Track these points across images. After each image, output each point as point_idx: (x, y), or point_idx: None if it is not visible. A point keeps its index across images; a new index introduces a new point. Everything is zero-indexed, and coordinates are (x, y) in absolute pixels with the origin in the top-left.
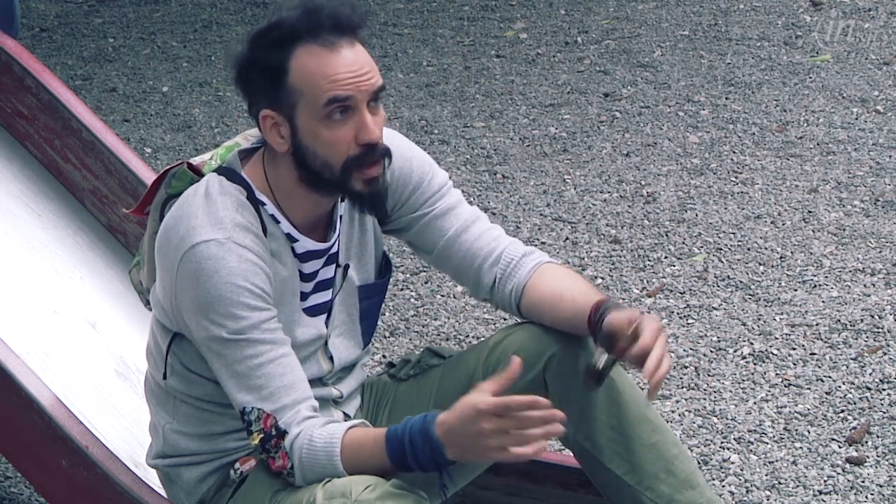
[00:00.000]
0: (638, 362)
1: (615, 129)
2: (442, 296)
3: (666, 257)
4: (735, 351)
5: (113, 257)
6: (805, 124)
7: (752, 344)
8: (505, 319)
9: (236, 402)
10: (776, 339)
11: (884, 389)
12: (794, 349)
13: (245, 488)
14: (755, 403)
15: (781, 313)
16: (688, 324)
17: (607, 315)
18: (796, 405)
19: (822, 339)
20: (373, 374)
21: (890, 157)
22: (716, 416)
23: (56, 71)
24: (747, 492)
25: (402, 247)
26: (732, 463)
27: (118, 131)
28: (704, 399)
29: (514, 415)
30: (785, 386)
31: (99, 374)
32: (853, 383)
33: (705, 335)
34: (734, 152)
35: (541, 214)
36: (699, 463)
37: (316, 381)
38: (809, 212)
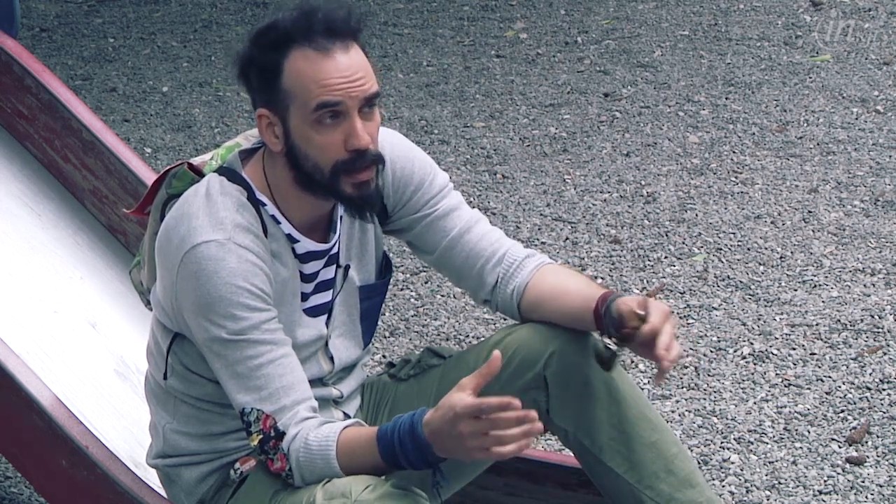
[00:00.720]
0: (647, 345)
1: (615, 129)
2: (442, 296)
3: (666, 257)
4: (735, 351)
5: (113, 257)
6: (805, 124)
7: (752, 344)
8: (505, 319)
9: (236, 403)
10: (776, 339)
11: (884, 389)
12: (794, 349)
13: (245, 488)
14: (755, 403)
15: (781, 313)
16: (688, 324)
17: (614, 305)
18: (796, 405)
19: (822, 339)
20: (373, 374)
21: (890, 157)
22: (716, 416)
23: (56, 71)
24: (747, 492)
25: (402, 247)
26: (732, 463)
27: (118, 131)
28: (704, 399)
29: (489, 417)
30: (785, 386)
31: (99, 374)
32: (853, 383)
33: (705, 335)
34: (734, 152)
35: (541, 214)
36: (699, 463)
37: (316, 382)
38: (809, 212)
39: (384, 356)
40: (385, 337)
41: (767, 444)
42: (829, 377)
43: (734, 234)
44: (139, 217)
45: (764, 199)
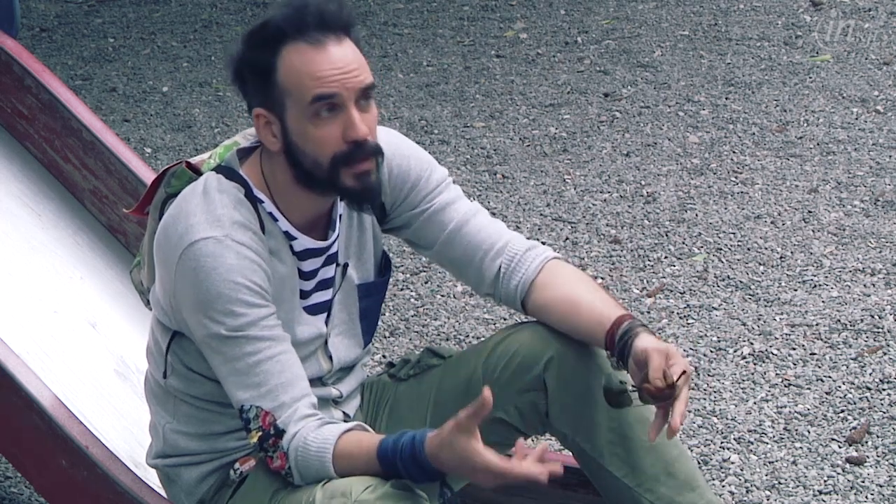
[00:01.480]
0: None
1: (615, 129)
2: (442, 296)
3: (666, 257)
4: (735, 351)
5: (113, 257)
6: (805, 124)
7: (752, 344)
8: (505, 319)
9: (235, 400)
10: (776, 339)
11: (884, 389)
12: (794, 349)
13: (245, 488)
14: (755, 403)
15: (781, 313)
16: (688, 324)
17: (636, 340)
18: (796, 405)
19: (822, 339)
20: (373, 374)
21: (890, 157)
22: (716, 416)
23: (56, 71)
24: (747, 492)
25: (402, 247)
26: (732, 463)
27: (118, 131)
28: (704, 399)
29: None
30: (785, 386)
31: (99, 374)
32: (853, 383)
33: (705, 335)
34: (734, 152)
35: (541, 214)
36: (699, 463)
37: (315, 381)
38: (809, 212)
39: (384, 356)
40: (385, 337)
41: (767, 444)
42: (829, 377)
43: (734, 234)
44: (139, 217)
45: (764, 199)
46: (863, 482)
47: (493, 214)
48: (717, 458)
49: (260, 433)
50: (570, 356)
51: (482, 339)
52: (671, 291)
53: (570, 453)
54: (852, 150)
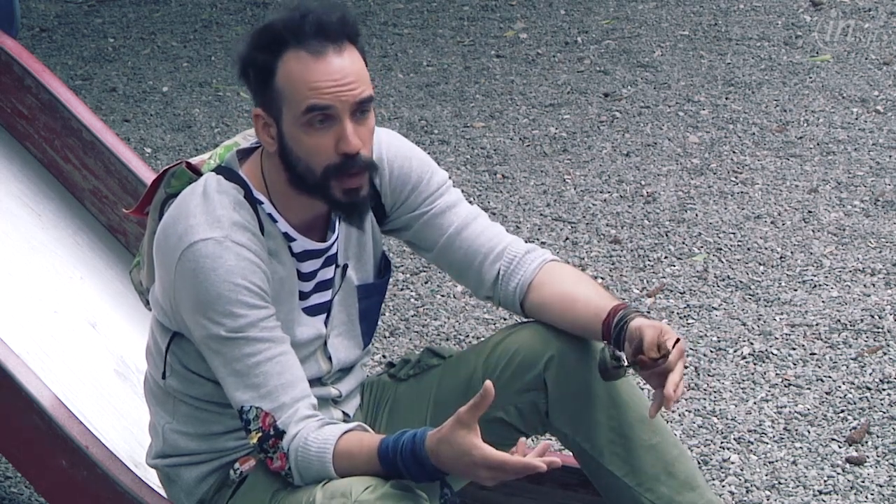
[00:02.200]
0: (656, 375)
1: (615, 129)
2: (442, 296)
3: (666, 257)
4: (735, 351)
5: (113, 257)
6: (805, 124)
7: (752, 344)
8: (505, 319)
9: (235, 401)
10: (776, 339)
11: (884, 389)
12: (794, 349)
13: (245, 488)
14: (755, 403)
15: (781, 313)
16: (688, 324)
17: (632, 320)
18: (796, 405)
19: (822, 339)
20: (373, 374)
21: (890, 157)
22: (716, 416)
23: (56, 71)
24: (747, 492)
25: (401, 247)
26: (732, 463)
27: (118, 131)
28: (704, 399)
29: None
30: (785, 386)
31: (99, 374)
32: (853, 383)
33: (705, 335)
34: (734, 152)
35: (541, 214)
36: (699, 463)
37: (315, 381)
38: (809, 212)
39: (384, 356)
40: (385, 337)
41: (767, 444)
42: (829, 377)
43: (734, 234)
44: (138, 217)
45: (764, 199)
46: (863, 482)
47: (494, 214)
48: (717, 458)
49: (260, 434)
50: (571, 356)
51: (482, 339)
52: (671, 291)
53: (571, 453)
54: (852, 150)
